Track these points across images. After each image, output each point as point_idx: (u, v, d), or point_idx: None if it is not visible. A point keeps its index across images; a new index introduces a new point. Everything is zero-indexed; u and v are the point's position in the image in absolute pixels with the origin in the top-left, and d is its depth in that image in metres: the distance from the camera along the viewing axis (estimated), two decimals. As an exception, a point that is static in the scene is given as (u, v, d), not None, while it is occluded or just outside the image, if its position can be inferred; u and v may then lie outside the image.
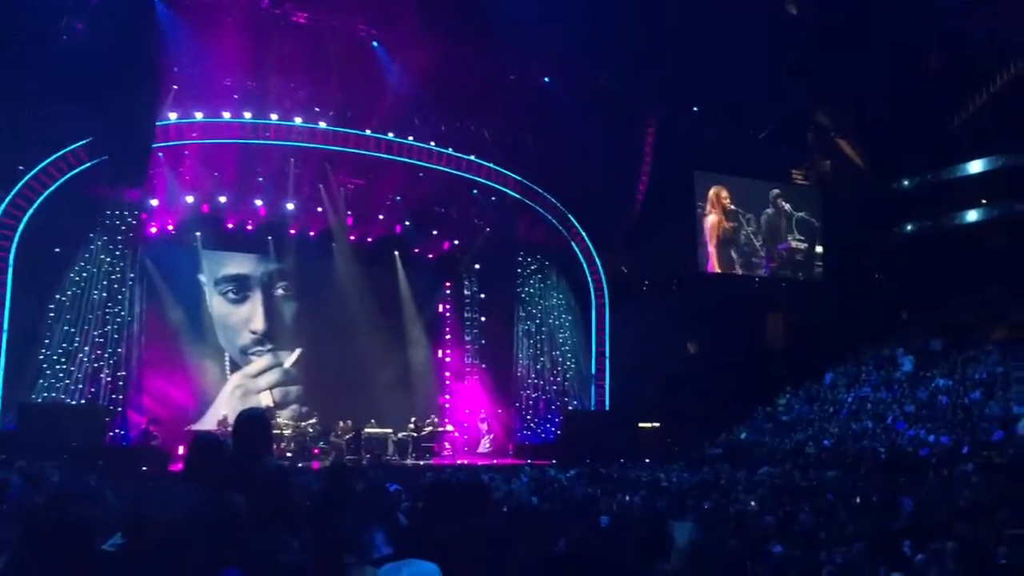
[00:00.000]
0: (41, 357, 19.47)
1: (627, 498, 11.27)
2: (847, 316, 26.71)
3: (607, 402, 25.65)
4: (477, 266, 27.13)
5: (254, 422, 4.57)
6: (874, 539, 8.01)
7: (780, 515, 9.49)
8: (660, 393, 24.69)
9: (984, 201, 27.42)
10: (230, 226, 23.04)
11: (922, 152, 27.77)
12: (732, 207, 27.90)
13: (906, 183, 29.43)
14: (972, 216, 27.79)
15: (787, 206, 28.81)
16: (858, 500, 11.35)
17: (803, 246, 29.04)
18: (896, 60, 25.13)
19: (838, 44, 24.73)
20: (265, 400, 23.09)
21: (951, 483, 14.86)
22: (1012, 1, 23.01)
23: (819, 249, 29.23)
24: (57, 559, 2.43)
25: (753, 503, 10.81)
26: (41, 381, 19.38)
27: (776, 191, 28.72)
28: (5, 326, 18.56)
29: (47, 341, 19.59)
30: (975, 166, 27.49)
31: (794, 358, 27.48)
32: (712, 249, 27.61)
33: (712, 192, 27.69)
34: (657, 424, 25.57)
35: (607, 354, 25.79)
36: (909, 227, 29.37)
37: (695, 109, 26.72)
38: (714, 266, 27.59)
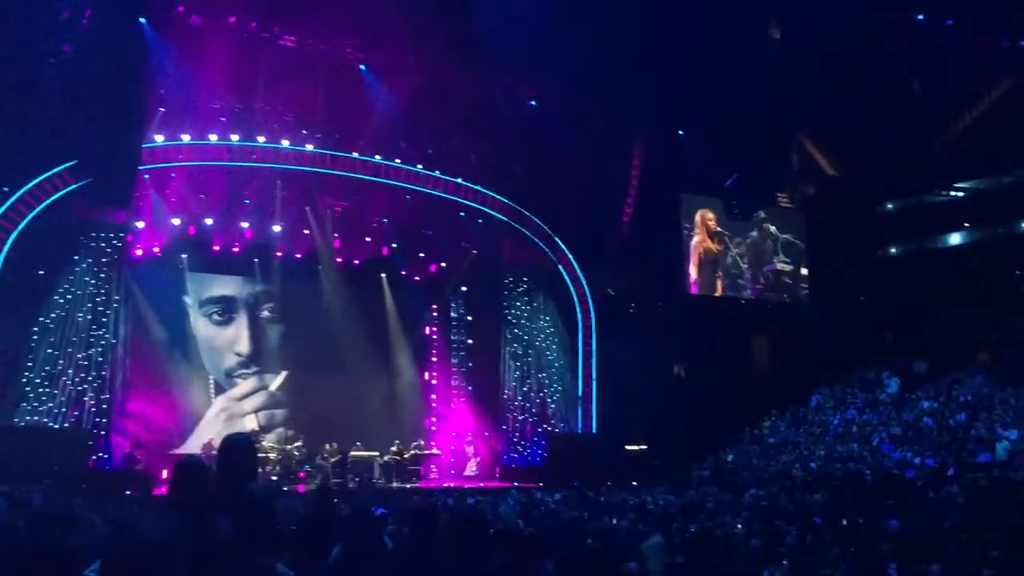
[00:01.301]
0: (24, 380, 19.25)
1: (614, 521, 11.24)
2: (833, 338, 26.80)
3: (594, 425, 25.59)
4: (464, 288, 27.14)
5: (239, 447, 4.54)
6: (860, 562, 8.01)
7: (767, 538, 9.48)
8: (647, 415, 24.69)
9: (967, 224, 27.65)
10: (216, 248, 22.96)
11: (905, 175, 28.00)
12: (718, 229, 28.03)
13: (890, 206, 29.67)
14: (955, 239, 28.03)
15: (772, 228, 28.97)
16: (844, 523, 11.35)
17: (789, 268, 29.18)
18: (879, 84, 25.37)
19: (822, 68, 24.96)
20: (250, 424, 22.95)
21: (937, 505, 14.88)
22: (993, 26, 23.30)
23: (804, 271, 29.37)
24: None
25: (740, 526, 10.79)
26: (24, 404, 19.16)
27: (761, 213, 28.88)
28: (-12, 348, 18.39)
29: (30, 364, 19.38)
30: (958, 190, 27.73)
31: (780, 380, 27.54)
32: (697, 271, 27.71)
33: (698, 215, 27.84)
34: (644, 446, 25.53)
35: (594, 376, 25.74)
36: (893, 250, 29.59)
37: (681, 132, 26.88)
38: (699, 288, 27.67)
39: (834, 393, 26.89)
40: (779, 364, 28.62)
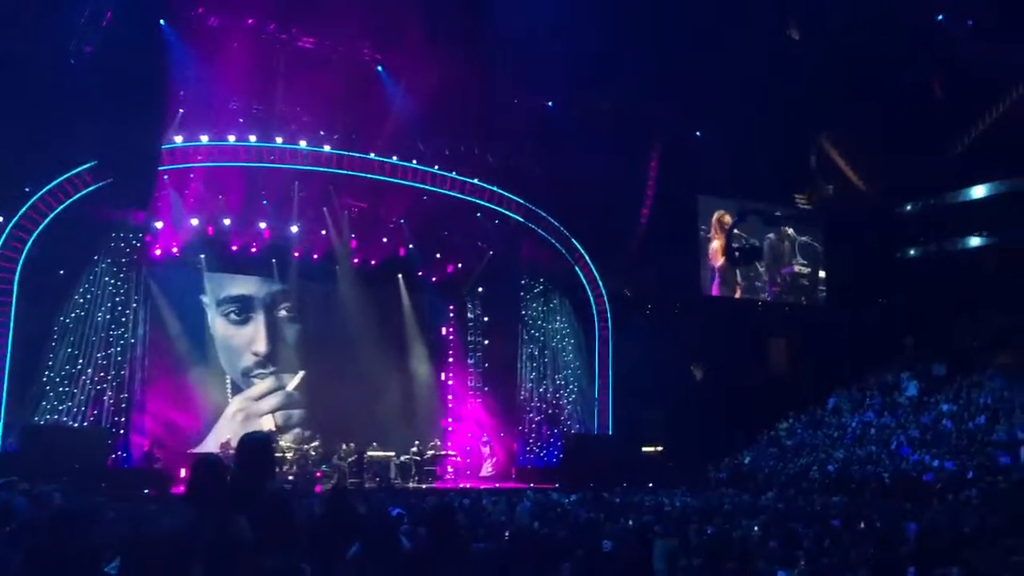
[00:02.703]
0: (44, 379, 19.45)
1: (630, 523, 11.21)
2: (851, 341, 26.68)
3: (610, 426, 25.57)
4: (480, 289, 27.16)
5: (257, 445, 4.57)
6: (878, 565, 7.97)
7: (784, 541, 9.44)
8: (663, 417, 24.65)
9: (987, 226, 27.43)
10: (234, 248, 23.06)
11: (925, 177, 27.82)
12: (735, 232, 27.96)
13: (909, 208, 29.48)
14: (975, 241, 27.82)
15: (790, 231, 28.86)
16: (862, 525, 11.28)
17: (807, 270, 29.08)
18: (899, 85, 25.24)
19: (842, 69, 24.86)
20: (267, 424, 23.02)
21: (956, 509, 14.79)
22: (1014, 26, 23.13)
23: (822, 274, 29.26)
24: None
25: (756, 528, 10.75)
26: (44, 403, 19.36)
27: (778, 214, 28.79)
28: (9, 348, 18.54)
29: (50, 363, 19.58)
30: (978, 191, 27.55)
31: (798, 382, 27.43)
32: (715, 273, 27.65)
33: (715, 216, 27.78)
34: (660, 448, 25.49)
35: (610, 377, 25.72)
36: (912, 252, 29.40)
37: (698, 134, 26.81)
38: (717, 290, 27.61)
39: (852, 396, 26.76)
40: (796, 366, 28.52)
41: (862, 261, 28.75)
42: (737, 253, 27.89)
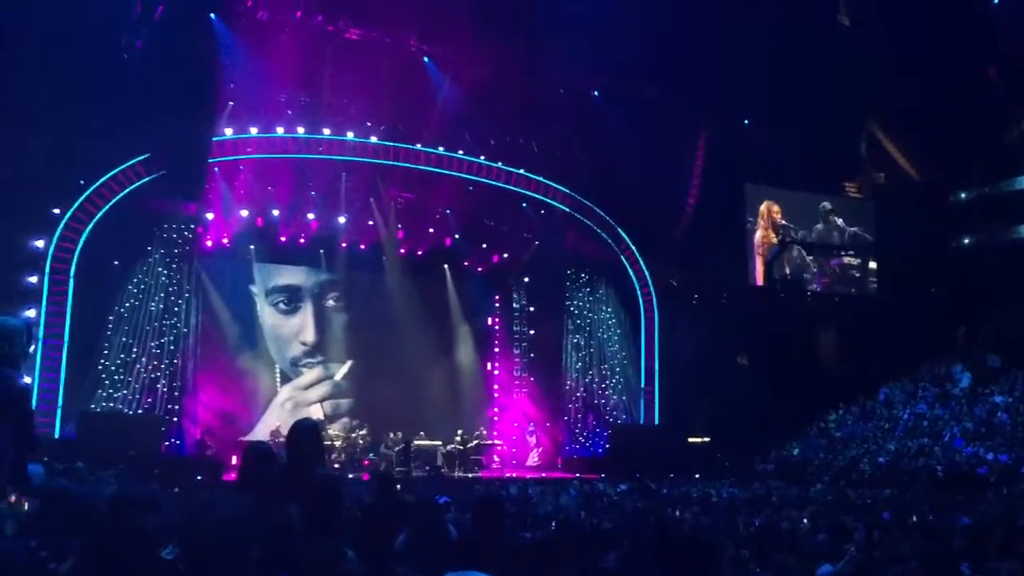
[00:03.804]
0: (100, 367, 19.90)
1: (677, 513, 11.19)
2: (902, 331, 26.20)
3: (656, 416, 25.47)
4: (526, 279, 27.18)
5: (307, 432, 4.65)
6: (930, 559, 7.85)
7: (833, 533, 9.34)
8: (710, 408, 24.46)
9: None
10: (283, 239, 23.39)
11: (979, 164, 27.22)
12: (783, 222, 27.64)
13: (963, 196, 28.87)
14: (1031, 229, 27.15)
15: (839, 221, 28.45)
16: (914, 519, 11.12)
17: (856, 262, 28.67)
18: (952, 68, 24.70)
19: (893, 55, 24.39)
20: (316, 413, 23.29)
21: (1010, 502, 14.49)
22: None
23: (872, 265, 28.80)
24: (122, 565, 2.50)
25: (805, 520, 10.65)
26: (100, 391, 19.81)
27: (827, 205, 28.39)
28: (66, 337, 19.01)
29: (106, 351, 20.02)
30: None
31: (848, 374, 27.02)
32: (761, 264, 27.36)
33: (763, 207, 27.48)
34: (707, 439, 25.30)
35: (656, 368, 25.61)
36: (966, 240, 28.79)
37: (746, 122, 26.51)
38: (764, 280, 27.33)
39: (904, 387, 26.31)
40: (846, 357, 28.07)
41: (914, 249, 28.22)
42: (785, 241, 27.60)
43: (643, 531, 8.14)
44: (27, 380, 4.92)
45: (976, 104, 25.30)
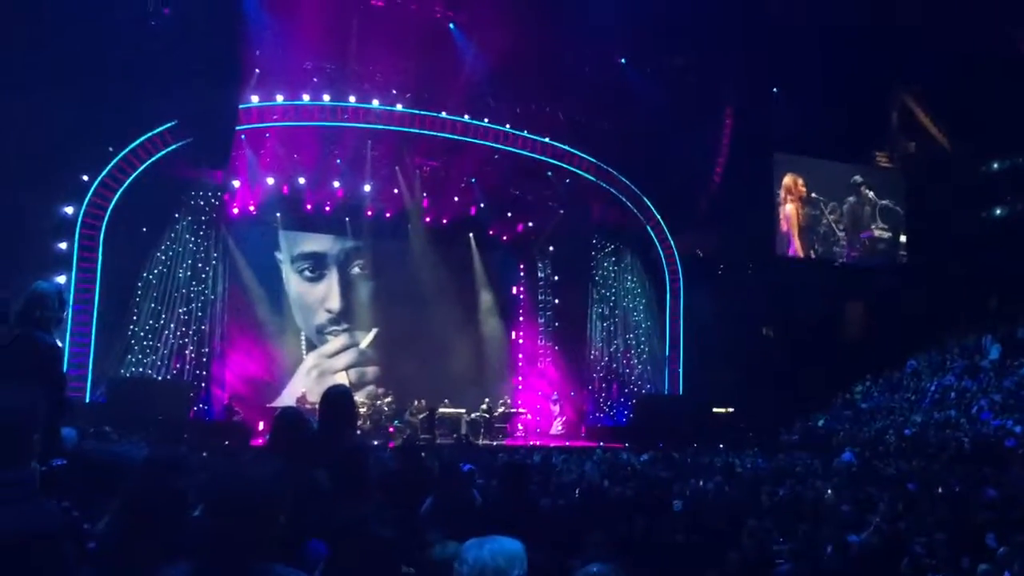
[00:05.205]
0: (130, 332, 20.16)
1: (700, 483, 11.22)
2: (931, 303, 25.93)
3: (680, 386, 25.47)
4: (551, 248, 27.14)
5: (339, 398, 4.70)
6: (956, 530, 7.83)
7: (857, 504, 9.34)
8: (735, 378, 24.37)
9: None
10: (309, 207, 23.47)
11: (1011, 133, 26.71)
12: (812, 195, 27.39)
13: (995, 166, 28.43)
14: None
15: (870, 194, 28.15)
16: (940, 490, 11.08)
17: (887, 235, 28.36)
18: (984, 35, 24.19)
19: (925, 21, 23.91)
20: (342, 380, 23.43)
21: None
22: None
23: (903, 238, 28.49)
24: (155, 525, 2.55)
25: (830, 491, 10.65)
26: (129, 356, 20.09)
27: (858, 177, 28.08)
28: (96, 302, 19.26)
29: (135, 317, 20.27)
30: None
31: (875, 345, 26.81)
32: (790, 235, 27.14)
33: (787, 180, 27.21)
34: (732, 409, 25.26)
35: (681, 338, 25.58)
36: (998, 211, 28.38)
37: (774, 90, 26.17)
38: (791, 251, 27.14)
39: (932, 359, 26.10)
40: (873, 329, 27.84)
41: (945, 220, 27.85)
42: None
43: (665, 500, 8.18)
44: (59, 344, 4.98)
45: (1007, 73, 24.77)
